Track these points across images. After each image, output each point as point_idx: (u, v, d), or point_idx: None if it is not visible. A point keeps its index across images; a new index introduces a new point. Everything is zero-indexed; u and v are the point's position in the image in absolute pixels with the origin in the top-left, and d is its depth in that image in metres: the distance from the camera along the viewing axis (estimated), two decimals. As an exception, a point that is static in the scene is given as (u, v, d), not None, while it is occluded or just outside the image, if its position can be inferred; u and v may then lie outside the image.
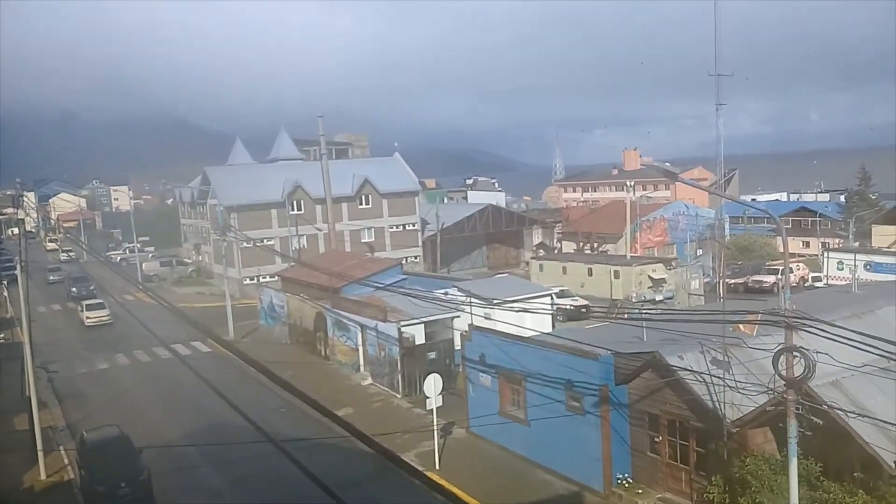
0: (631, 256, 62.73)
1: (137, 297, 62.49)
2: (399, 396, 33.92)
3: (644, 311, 34.84)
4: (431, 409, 26.33)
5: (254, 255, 63.59)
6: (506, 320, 29.66)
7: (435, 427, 26.41)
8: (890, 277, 47.60)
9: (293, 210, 68.48)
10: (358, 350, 37.73)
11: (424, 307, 34.09)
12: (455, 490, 23.37)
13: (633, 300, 53.62)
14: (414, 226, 75.35)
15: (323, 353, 41.75)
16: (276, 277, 56.31)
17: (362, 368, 37.48)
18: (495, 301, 35.55)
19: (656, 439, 22.09)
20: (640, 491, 22.27)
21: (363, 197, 72.60)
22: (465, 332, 29.44)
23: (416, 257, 74.04)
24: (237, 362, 36.05)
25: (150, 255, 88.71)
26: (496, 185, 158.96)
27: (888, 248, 69.05)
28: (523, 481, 24.52)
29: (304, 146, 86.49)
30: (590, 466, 23.09)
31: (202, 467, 26.48)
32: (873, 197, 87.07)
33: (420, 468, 24.23)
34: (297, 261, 56.33)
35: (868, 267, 55.53)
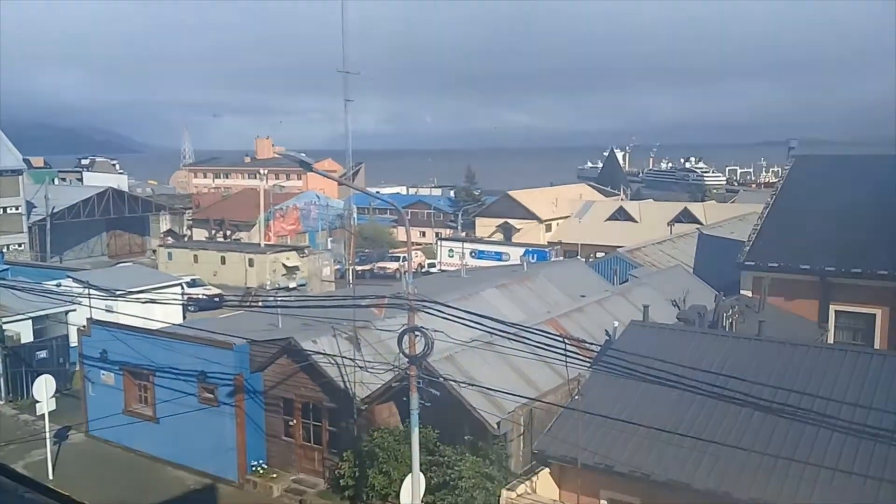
0: (265, 244, 62.74)
1: None
2: (2, 402, 29.72)
3: (279, 299, 35.18)
4: (43, 414, 23.56)
5: None
6: (131, 313, 27.67)
7: (47, 433, 23.67)
8: (491, 263, 54.53)
9: None
10: (-56, 353, 32.12)
11: (32, 301, 30.29)
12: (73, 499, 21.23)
13: (268, 288, 53.78)
14: (17, 209, 66.13)
15: None
16: None
17: (-49, 374, 32.00)
18: (118, 292, 32.94)
19: (291, 423, 22.54)
20: (274, 475, 22.53)
21: (-51, 174, 61.74)
22: (83, 326, 26.85)
23: (20, 245, 65.11)
24: None
25: None
26: (117, 166, 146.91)
27: (489, 237, 78.98)
28: (152, 481, 23.20)
29: None
30: (224, 457, 22.71)
31: None
32: (477, 193, 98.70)
33: (29, 481, 21.53)
34: None
35: (473, 254, 62.91)
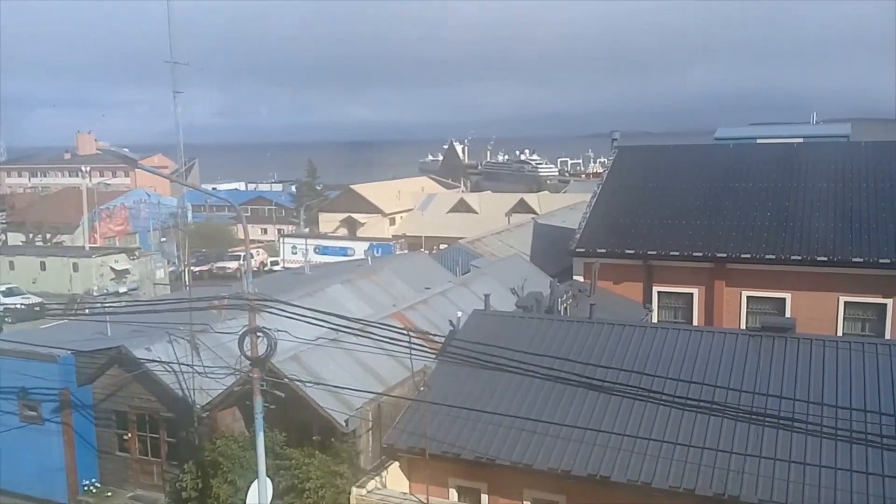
0: (90, 247, 58.82)
1: None
2: None
3: (107, 305, 33.08)
4: None
5: None
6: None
7: None
8: (335, 259, 54.09)
9: None
10: None
11: None
12: None
13: (95, 294, 50.46)
14: None
15: None
16: None
17: None
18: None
19: (125, 437, 21.36)
20: (109, 494, 21.28)
21: None
22: None
23: None
24: None
25: None
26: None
27: (332, 233, 78.30)
28: (-32, 512, 21.19)
29: None
30: (52, 478, 21.16)
31: None
32: (319, 188, 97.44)
33: None
34: None
35: (318, 250, 62.11)
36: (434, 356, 19.90)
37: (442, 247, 53.32)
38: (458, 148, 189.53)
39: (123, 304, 37.00)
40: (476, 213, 77.48)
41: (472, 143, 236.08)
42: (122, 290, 52.45)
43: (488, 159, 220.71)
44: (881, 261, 25.54)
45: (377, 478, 17.25)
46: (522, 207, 74.60)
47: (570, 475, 15.61)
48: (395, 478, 17.64)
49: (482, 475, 17.03)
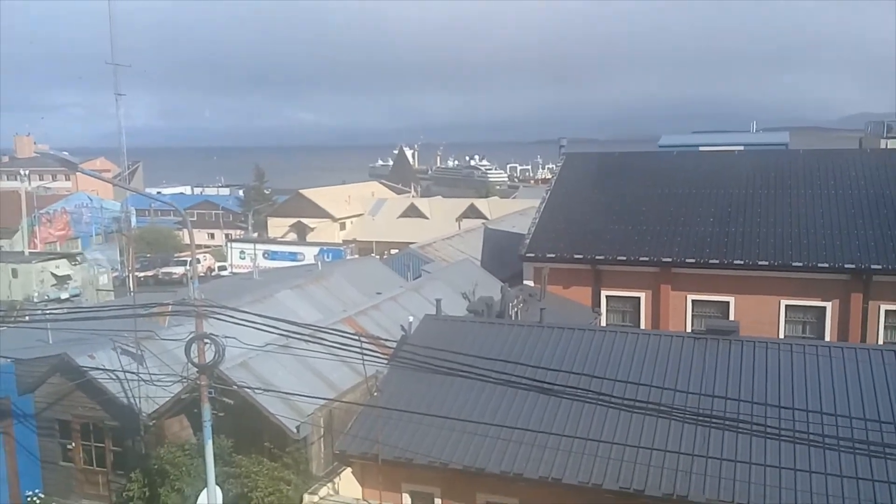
0: (30, 252, 57.11)
1: None
2: None
3: (48, 312, 32.11)
4: None
5: None
6: None
7: None
8: (285, 263, 53.50)
9: None
10: None
11: None
12: None
13: (36, 300, 48.98)
14: None
15: None
16: None
17: None
18: None
19: (69, 447, 20.79)
20: (52, 505, 20.65)
21: None
22: None
23: None
24: None
25: None
26: None
27: (282, 237, 77.45)
28: None
29: None
30: (-8, 491, 20.45)
31: None
32: (267, 192, 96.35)
33: None
34: None
35: (266, 255, 61.40)
36: (386, 361, 19.85)
37: (393, 252, 53.16)
38: (408, 153, 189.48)
39: (65, 310, 35.98)
40: (426, 218, 77.58)
41: (422, 148, 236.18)
42: (64, 296, 51.04)
43: (438, 164, 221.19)
44: (820, 265, 26.40)
45: (329, 484, 17.14)
46: (473, 212, 74.98)
47: (522, 478, 15.74)
48: (347, 484, 17.55)
49: (435, 479, 17.05)
